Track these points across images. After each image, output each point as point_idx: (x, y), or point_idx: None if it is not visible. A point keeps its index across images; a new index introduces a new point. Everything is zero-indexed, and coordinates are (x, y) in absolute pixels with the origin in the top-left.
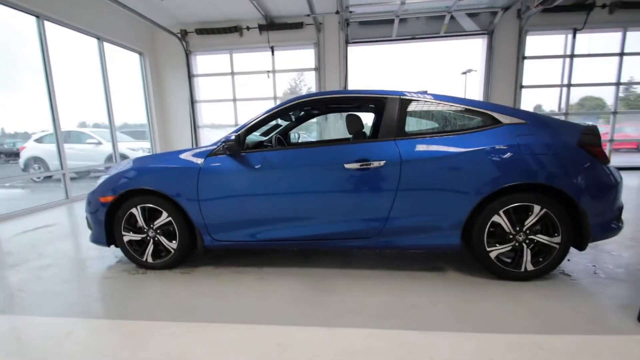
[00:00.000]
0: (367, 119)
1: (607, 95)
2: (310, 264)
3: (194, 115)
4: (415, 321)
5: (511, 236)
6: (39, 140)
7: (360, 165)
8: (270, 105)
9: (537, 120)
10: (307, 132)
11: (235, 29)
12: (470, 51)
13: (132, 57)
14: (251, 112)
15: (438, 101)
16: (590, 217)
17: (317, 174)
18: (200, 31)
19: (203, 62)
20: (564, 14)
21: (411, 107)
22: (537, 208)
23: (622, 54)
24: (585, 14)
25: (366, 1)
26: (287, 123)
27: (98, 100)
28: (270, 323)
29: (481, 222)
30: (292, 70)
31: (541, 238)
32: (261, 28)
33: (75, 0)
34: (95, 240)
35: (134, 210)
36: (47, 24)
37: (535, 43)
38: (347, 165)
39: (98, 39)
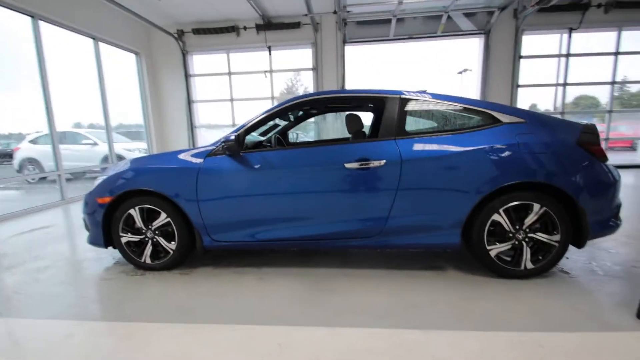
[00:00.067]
0: (366, 119)
1: (601, 94)
2: (310, 264)
3: (191, 115)
4: (415, 320)
5: (511, 234)
6: (34, 141)
7: (361, 165)
8: (267, 105)
9: (537, 119)
10: (304, 132)
11: (232, 29)
12: (467, 51)
13: (129, 57)
14: (248, 112)
15: (437, 100)
16: (589, 215)
17: (317, 173)
18: (197, 31)
19: (200, 62)
20: (560, 14)
21: (411, 107)
22: (536, 206)
23: (617, 53)
24: (581, 13)
25: (364, 1)
26: (285, 123)
27: (94, 101)
28: (270, 323)
29: (481, 221)
30: (290, 70)
31: (541, 236)
32: (258, 28)
33: (71, 1)
34: (93, 241)
35: (132, 211)
36: (42, 24)
37: (531, 42)
38: (347, 165)
39: (94, 39)
